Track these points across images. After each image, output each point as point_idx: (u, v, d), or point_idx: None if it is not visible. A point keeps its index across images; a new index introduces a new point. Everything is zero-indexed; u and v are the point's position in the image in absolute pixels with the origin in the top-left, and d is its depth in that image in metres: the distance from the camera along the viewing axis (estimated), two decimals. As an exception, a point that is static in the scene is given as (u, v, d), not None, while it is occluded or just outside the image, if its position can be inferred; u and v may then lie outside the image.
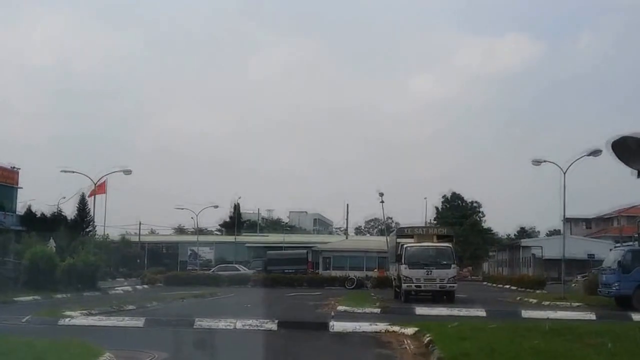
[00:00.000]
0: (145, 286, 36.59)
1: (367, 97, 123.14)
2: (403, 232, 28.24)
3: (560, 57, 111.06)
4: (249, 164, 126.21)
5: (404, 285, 25.05)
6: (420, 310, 19.58)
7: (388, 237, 36.44)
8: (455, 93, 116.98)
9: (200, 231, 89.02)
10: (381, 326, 14.43)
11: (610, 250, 26.17)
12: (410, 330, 13.69)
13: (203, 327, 14.43)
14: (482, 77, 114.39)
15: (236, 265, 46.97)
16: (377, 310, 20.19)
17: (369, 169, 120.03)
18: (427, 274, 24.79)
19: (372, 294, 29.72)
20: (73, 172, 37.32)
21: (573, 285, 44.85)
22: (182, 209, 53.45)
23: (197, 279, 39.45)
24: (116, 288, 32.66)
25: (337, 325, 14.62)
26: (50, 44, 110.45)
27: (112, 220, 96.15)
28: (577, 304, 24.57)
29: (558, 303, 24.92)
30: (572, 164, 27.36)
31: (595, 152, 26.14)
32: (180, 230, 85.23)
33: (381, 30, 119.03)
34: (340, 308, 20.92)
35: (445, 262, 25.13)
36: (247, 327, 14.37)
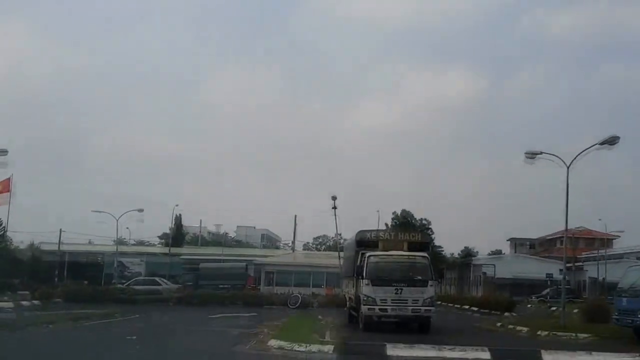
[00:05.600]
0: (35, 302, 27.75)
1: (318, 119, 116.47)
2: (365, 238, 20.41)
3: (499, 91, 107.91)
4: (197, 178, 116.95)
5: (364, 308, 17.49)
6: (394, 350, 12.10)
7: (344, 243, 28.89)
8: (400, 118, 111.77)
9: (140, 243, 79.81)
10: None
11: (630, 268, 19.17)
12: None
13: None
14: (426, 105, 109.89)
15: (157, 279, 38.29)
16: (329, 348, 12.57)
17: (319, 189, 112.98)
18: (397, 294, 17.34)
19: (320, 317, 22.09)
20: None
21: (529, 306, 39.16)
22: (100, 212, 44.25)
23: (106, 295, 30.78)
24: (-12, 305, 23.80)
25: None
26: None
27: (23, 226, 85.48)
28: (586, 335, 17.57)
29: (559, 334, 17.89)
30: (577, 155, 20.52)
31: (612, 140, 19.45)
32: (120, 242, 75.33)
33: (333, 59, 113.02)
34: (273, 343, 13.21)
35: (420, 278, 17.75)
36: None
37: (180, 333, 16.11)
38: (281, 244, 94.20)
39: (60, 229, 51.64)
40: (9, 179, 42.65)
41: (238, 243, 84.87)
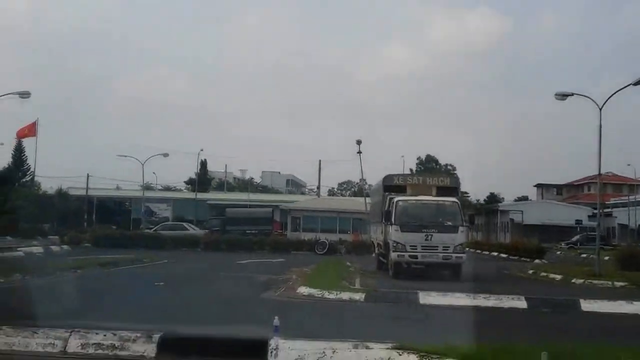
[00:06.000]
0: (65, 247, 28.06)
1: (342, 62, 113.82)
2: (392, 182, 19.82)
3: (526, 34, 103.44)
4: (222, 122, 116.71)
5: (393, 255, 17.09)
6: (427, 298, 11.69)
7: (371, 188, 28.32)
8: (424, 62, 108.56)
9: (166, 188, 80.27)
10: (377, 351, 6.51)
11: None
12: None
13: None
14: (453, 49, 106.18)
15: (185, 224, 38.46)
16: (360, 296, 12.23)
17: (344, 134, 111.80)
18: (427, 240, 16.87)
19: (348, 263, 21.85)
20: None
21: (558, 253, 38.52)
22: (125, 156, 44.19)
23: (134, 240, 30.97)
24: (18, 249, 24.03)
25: (283, 350, 6.61)
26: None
27: (52, 171, 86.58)
28: (623, 283, 16.95)
29: (595, 282, 17.32)
30: (610, 96, 19.32)
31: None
32: (147, 187, 76.12)
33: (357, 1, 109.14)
34: (303, 290, 12.92)
35: (450, 224, 17.22)
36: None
37: (208, 279, 15.97)
38: (306, 190, 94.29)
39: (88, 174, 52.14)
40: (34, 122, 42.85)
41: (263, 188, 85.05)
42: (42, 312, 8.72)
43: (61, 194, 47.30)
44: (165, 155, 47.54)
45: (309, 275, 16.62)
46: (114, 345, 6.35)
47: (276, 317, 7.35)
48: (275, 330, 7.19)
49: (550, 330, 8.68)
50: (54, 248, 27.19)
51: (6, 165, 46.02)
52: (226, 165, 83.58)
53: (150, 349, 6.37)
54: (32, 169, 48.35)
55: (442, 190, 18.96)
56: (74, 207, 47.88)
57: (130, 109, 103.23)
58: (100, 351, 6.27)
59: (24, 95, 23.53)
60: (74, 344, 6.33)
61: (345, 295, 12.28)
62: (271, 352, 6.63)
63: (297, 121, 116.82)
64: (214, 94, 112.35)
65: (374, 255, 22.27)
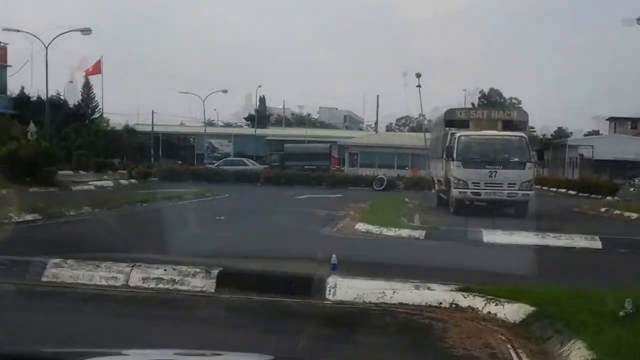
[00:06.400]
0: (133, 181, 28.99)
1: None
2: (454, 117, 18.98)
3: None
4: (279, 57, 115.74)
5: (454, 192, 16.56)
6: (492, 236, 11.26)
7: (431, 123, 27.48)
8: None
9: (227, 124, 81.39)
10: (440, 293, 6.24)
11: None
12: (510, 312, 5.58)
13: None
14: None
15: (244, 160, 38.93)
16: (420, 233, 11.93)
17: (403, 68, 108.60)
18: (491, 176, 16.21)
19: (406, 200, 21.47)
20: (17, 30, 29.01)
21: (632, 190, 36.60)
22: (187, 93, 44.66)
23: (197, 175, 31.67)
24: (90, 183, 25.01)
25: (342, 288, 6.44)
26: None
27: (119, 109, 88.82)
28: None
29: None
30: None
31: None
32: (209, 123, 77.36)
33: None
34: (361, 227, 12.74)
35: (517, 160, 16.44)
36: (140, 285, 6.33)
37: (267, 213, 16.05)
38: (364, 125, 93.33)
39: (153, 111, 53.17)
40: (99, 60, 43.76)
41: (321, 124, 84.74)
42: (107, 244, 8.94)
43: (128, 130, 48.67)
44: (225, 91, 47.89)
45: (367, 212, 16.41)
46: (174, 280, 6.37)
47: (334, 255, 7.19)
48: (334, 268, 7.05)
49: (628, 274, 8.14)
50: (123, 182, 28.15)
51: (76, 103, 47.54)
52: (284, 102, 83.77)
53: (209, 284, 6.35)
54: (100, 106, 49.81)
55: (508, 125, 18.04)
56: (141, 142, 49.27)
57: (192, 46, 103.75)
58: (160, 285, 6.30)
59: (86, 31, 23.76)
60: (136, 278, 6.40)
61: (405, 233, 12.01)
62: (329, 289, 6.48)
63: (355, 56, 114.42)
64: (274, 30, 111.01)
65: (433, 191, 21.79)
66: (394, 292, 6.47)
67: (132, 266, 6.49)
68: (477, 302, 6.04)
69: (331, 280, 6.57)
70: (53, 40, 28.34)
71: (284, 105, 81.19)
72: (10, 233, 9.68)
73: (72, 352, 1.46)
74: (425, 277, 6.95)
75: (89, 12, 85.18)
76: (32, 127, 30.18)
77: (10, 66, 42.58)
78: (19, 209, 12.29)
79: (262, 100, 76.30)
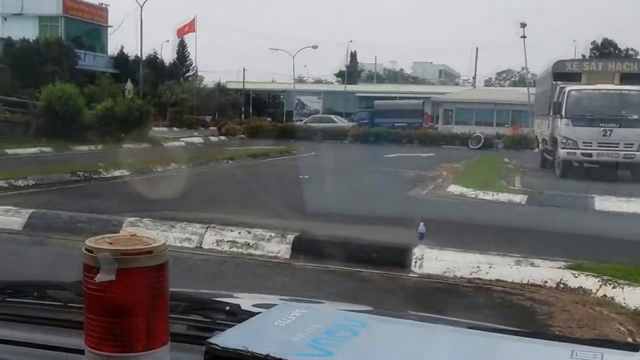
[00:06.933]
0: (222, 138, 29.46)
1: None
2: (564, 69, 17.28)
3: None
4: (372, 12, 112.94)
5: (562, 152, 15.16)
6: (606, 203, 10.06)
7: (536, 77, 25.55)
8: None
9: (317, 81, 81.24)
10: (546, 270, 5.47)
11: None
12: (630, 297, 4.77)
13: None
14: None
15: (333, 117, 38.37)
16: (521, 198, 10.94)
17: (505, 18, 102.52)
18: (604, 135, 14.66)
19: (506, 160, 20.18)
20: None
21: None
22: (277, 50, 44.52)
23: (285, 131, 31.63)
24: (180, 139, 25.64)
25: (429, 260, 5.81)
26: None
27: (211, 66, 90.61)
28: None
29: None
30: None
31: None
32: (299, 80, 77.58)
33: None
34: (454, 189, 11.92)
35: (636, 117, 14.73)
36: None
37: (353, 173, 15.52)
38: (460, 80, 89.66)
39: (244, 68, 53.80)
40: (193, 19, 44.48)
41: (414, 80, 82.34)
42: (187, 202, 8.82)
43: (220, 88, 49.60)
44: (315, 47, 47.45)
45: (461, 172, 15.48)
46: (248, 243, 6.02)
47: (422, 222, 6.52)
48: (421, 237, 6.39)
49: None
50: (212, 139, 28.70)
51: (172, 61, 48.97)
52: (376, 57, 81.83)
53: (284, 250, 5.94)
54: (194, 64, 51.01)
55: (627, 78, 16.23)
56: (232, 100, 50.09)
57: (280, 3, 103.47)
58: (234, 249, 5.98)
59: None
60: (209, 240, 6.11)
61: (504, 197, 11.07)
62: (415, 261, 5.87)
63: (452, 5, 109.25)
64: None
65: (537, 151, 20.30)
66: (490, 267, 5.76)
67: (207, 228, 6.22)
68: (589, 282, 5.20)
69: (418, 251, 5.95)
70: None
71: (375, 61, 79.41)
72: (96, 189, 9.81)
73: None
74: (528, 250, 6.16)
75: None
76: (128, 85, 31.40)
77: (111, 26, 44.50)
78: (109, 164, 12.57)
79: (354, 55, 75.02)
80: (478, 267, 5.74)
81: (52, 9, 39.72)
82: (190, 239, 6.18)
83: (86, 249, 0.78)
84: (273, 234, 6.10)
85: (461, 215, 9.44)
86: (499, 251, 6.04)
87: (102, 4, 43.31)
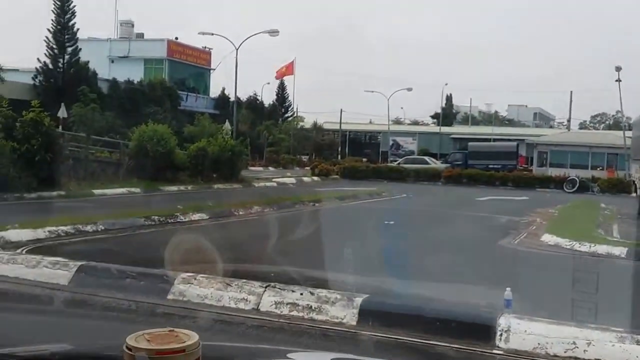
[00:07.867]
0: (315, 178, 29.03)
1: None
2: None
3: None
4: (469, 55, 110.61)
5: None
6: None
7: (634, 121, 23.13)
8: None
9: (414, 122, 79.83)
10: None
11: None
12: None
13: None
14: None
15: (426, 158, 36.97)
16: (620, 250, 9.36)
17: (600, 62, 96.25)
18: None
19: (602, 205, 18.04)
20: (212, 34, 30.49)
21: None
22: (372, 92, 44.09)
23: (378, 172, 30.75)
24: (273, 179, 25.36)
25: (517, 333, 4.71)
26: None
27: (309, 107, 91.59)
28: None
29: None
30: None
31: None
32: (397, 122, 76.77)
33: None
34: (548, 239, 10.50)
35: None
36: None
37: (441, 218, 14.33)
38: (555, 123, 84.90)
39: (341, 109, 53.87)
40: (292, 62, 45.09)
41: (509, 122, 78.81)
42: (254, 253, 8.19)
43: (317, 128, 49.73)
44: (409, 89, 46.44)
45: (555, 219, 13.84)
46: (311, 306, 5.20)
47: (508, 288, 5.43)
48: (507, 305, 5.30)
49: None
50: (305, 179, 28.28)
51: (271, 102, 49.90)
52: (471, 99, 79.50)
53: (350, 315, 5.07)
54: (292, 105, 51.70)
55: None
56: (329, 140, 50.07)
57: (376, 45, 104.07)
58: (294, 312, 5.15)
59: (274, 33, 24.04)
60: (267, 302, 5.31)
61: (602, 249, 9.53)
62: (500, 334, 4.79)
63: (547, 51, 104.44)
64: (462, 27, 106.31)
65: (634, 196, 18.04)
66: (588, 344, 4.58)
67: (266, 287, 5.43)
68: None
69: (503, 322, 4.87)
70: (242, 43, 29.23)
71: (470, 103, 77.09)
72: (167, 235, 8.47)
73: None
74: (632, 320, 4.91)
75: (279, 17, 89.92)
76: (227, 125, 31.71)
77: (213, 69, 45.52)
78: (189, 207, 11.80)
79: (449, 98, 73.41)
80: (574, 343, 4.58)
81: (157, 52, 40.79)
82: (246, 300, 5.43)
83: (126, 347, 0.86)
84: (339, 296, 5.26)
85: (555, 272, 8.10)
86: (599, 322, 4.84)
87: (205, 47, 43.82)
